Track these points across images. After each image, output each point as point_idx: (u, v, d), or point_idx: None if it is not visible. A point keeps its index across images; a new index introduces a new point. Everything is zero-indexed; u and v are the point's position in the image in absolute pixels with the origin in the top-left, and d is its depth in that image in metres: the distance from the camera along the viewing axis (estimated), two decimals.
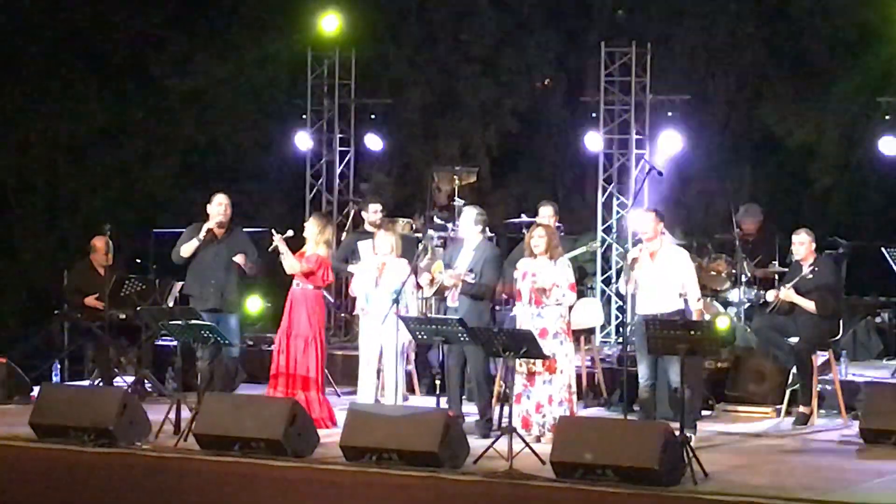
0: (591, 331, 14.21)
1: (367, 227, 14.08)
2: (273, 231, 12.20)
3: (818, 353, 12.73)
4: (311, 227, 12.40)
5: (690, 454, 10.06)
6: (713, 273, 14.97)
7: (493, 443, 10.66)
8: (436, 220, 15.63)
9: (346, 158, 17.65)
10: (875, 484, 10.20)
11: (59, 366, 14.41)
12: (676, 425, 10.35)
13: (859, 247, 15.43)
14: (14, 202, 16.53)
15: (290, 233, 12.25)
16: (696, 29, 17.75)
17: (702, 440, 11.49)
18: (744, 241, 15.29)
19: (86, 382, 14.12)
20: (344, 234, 15.49)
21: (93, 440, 11.17)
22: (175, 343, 12.13)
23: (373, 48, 17.91)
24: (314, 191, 17.48)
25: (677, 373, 11.01)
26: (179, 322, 11.71)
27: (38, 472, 11.10)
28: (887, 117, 15.39)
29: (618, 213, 16.17)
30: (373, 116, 17.61)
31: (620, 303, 15.81)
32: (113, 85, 17.03)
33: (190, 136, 17.53)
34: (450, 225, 15.08)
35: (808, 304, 12.66)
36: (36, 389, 12.44)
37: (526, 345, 10.83)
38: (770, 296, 13.08)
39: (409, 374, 13.35)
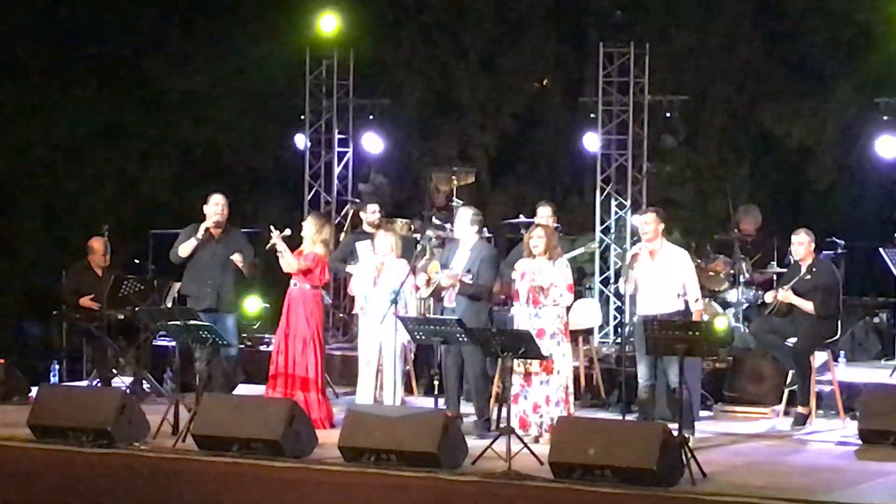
0: (589, 331, 14.22)
1: (366, 228, 14.08)
2: (271, 228, 12.20)
3: (816, 353, 12.74)
4: (309, 226, 12.40)
5: (688, 455, 10.06)
6: (711, 274, 14.97)
7: (492, 443, 10.66)
8: (434, 220, 15.63)
9: (345, 159, 17.63)
10: (873, 484, 10.21)
11: (57, 366, 14.40)
12: (675, 426, 10.36)
13: (857, 247, 15.43)
14: (12, 202, 16.52)
15: (287, 231, 12.25)
16: (694, 29, 17.74)
17: (700, 441, 11.49)
18: (742, 241, 15.30)
19: (84, 383, 14.12)
20: (342, 234, 15.48)
21: (91, 441, 11.18)
22: (173, 343, 12.14)
23: (371, 48, 17.90)
24: (312, 191, 17.46)
25: (676, 373, 11.02)
26: (178, 322, 11.71)
27: (37, 472, 11.11)
28: (885, 118, 15.39)
29: (616, 213, 16.16)
30: (371, 117, 17.59)
31: (619, 303, 15.81)
32: (111, 85, 17.02)
33: (188, 136, 17.52)
34: (448, 225, 15.08)
35: (807, 305, 12.66)
36: (34, 390, 12.44)
37: (524, 345, 10.83)
38: (769, 297, 13.08)
39: (407, 375, 13.34)
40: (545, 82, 19.00)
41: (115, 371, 14.05)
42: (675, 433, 10.18)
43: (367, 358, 12.26)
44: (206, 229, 12.72)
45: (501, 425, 11.23)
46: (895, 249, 14.48)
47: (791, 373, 12.82)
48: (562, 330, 11.71)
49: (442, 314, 11.99)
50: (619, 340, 15.08)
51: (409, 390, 13.57)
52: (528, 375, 11.62)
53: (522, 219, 15.25)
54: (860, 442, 11.61)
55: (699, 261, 14.64)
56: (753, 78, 17.72)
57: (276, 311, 12.72)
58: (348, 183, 17.61)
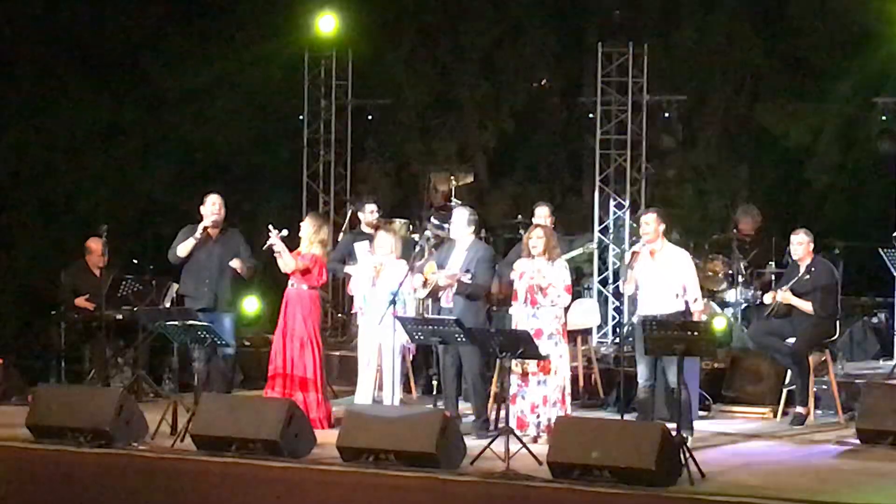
0: (587, 331, 14.22)
1: (364, 228, 14.09)
2: (269, 226, 12.20)
3: (815, 353, 12.74)
4: (307, 226, 12.41)
5: (687, 455, 10.06)
6: (710, 274, 14.97)
7: (490, 443, 10.66)
8: (433, 220, 15.63)
9: (343, 159, 17.64)
10: (872, 485, 10.21)
11: (56, 366, 14.39)
12: (673, 426, 10.36)
13: (856, 247, 15.43)
14: (10, 202, 16.49)
15: (284, 231, 12.26)
16: (693, 29, 17.74)
17: (698, 440, 11.49)
18: (740, 241, 15.30)
19: (83, 383, 14.11)
20: (340, 234, 15.48)
21: (90, 441, 11.17)
22: (172, 344, 12.14)
23: (370, 49, 17.90)
24: (311, 191, 17.47)
25: (675, 373, 11.02)
26: (176, 323, 11.71)
27: (35, 473, 11.10)
28: (884, 118, 15.38)
29: (614, 213, 16.17)
30: (370, 117, 17.60)
31: (617, 303, 15.82)
32: (109, 85, 17.00)
33: (187, 136, 17.50)
34: (446, 226, 15.07)
35: (806, 306, 12.66)
36: (33, 390, 12.43)
37: (523, 345, 10.83)
38: (767, 298, 13.07)
39: (405, 375, 13.34)
40: (544, 82, 18.99)
41: (113, 371, 14.04)
42: (674, 433, 10.18)
43: (367, 358, 12.26)
44: (204, 229, 12.73)
45: (500, 425, 11.24)
46: (893, 249, 14.49)
47: (789, 373, 12.83)
48: (560, 330, 11.71)
49: (439, 314, 11.99)
50: (617, 340, 15.09)
51: (407, 390, 13.57)
52: (525, 375, 11.63)
53: (521, 219, 15.25)
54: (858, 442, 11.61)
55: (697, 261, 14.64)
56: (752, 78, 17.72)
57: (275, 312, 12.72)
58: (346, 183, 17.61)
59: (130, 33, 17.12)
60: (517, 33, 18.58)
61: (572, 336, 12.88)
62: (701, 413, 12.74)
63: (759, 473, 10.52)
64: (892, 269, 14.46)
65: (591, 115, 16.47)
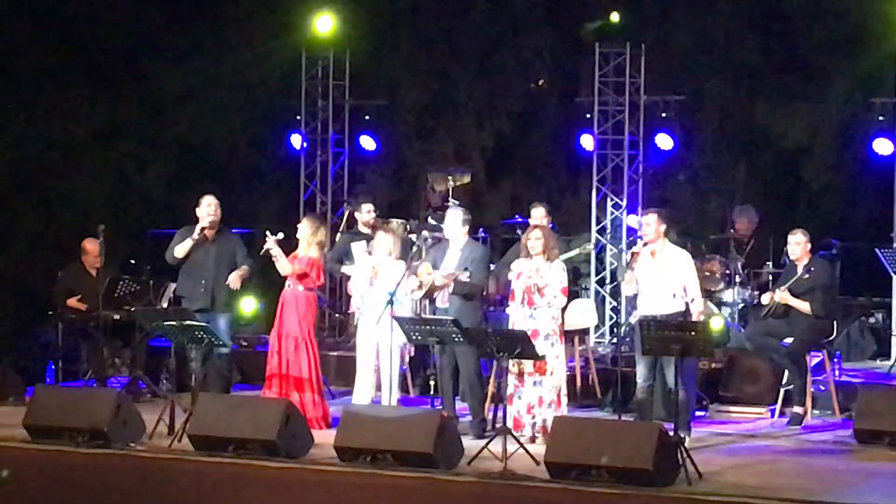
0: (585, 331, 14.22)
1: (361, 228, 14.10)
2: (267, 233, 12.21)
3: (812, 353, 12.75)
4: (305, 228, 12.42)
5: (684, 455, 10.06)
6: (707, 274, 14.96)
7: (488, 443, 10.66)
8: (430, 221, 15.62)
9: (341, 159, 17.63)
10: (869, 484, 10.21)
11: (53, 367, 14.38)
12: (670, 426, 10.37)
13: (853, 247, 15.43)
14: (8, 202, 16.47)
15: (280, 235, 12.28)
16: (690, 29, 17.73)
17: (696, 441, 11.50)
18: (737, 241, 15.29)
19: (80, 383, 14.10)
20: (338, 234, 15.48)
21: (87, 441, 11.18)
22: (169, 344, 12.14)
23: (367, 49, 17.89)
24: (308, 192, 17.46)
25: (674, 374, 11.02)
26: (173, 323, 11.71)
27: (33, 473, 11.09)
28: (881, 118, 15.38)
29: (612, 213, 16.16)
30: (367, 117, 17.59)
31: (615, 303, 15.82)
32: (107, 85, 16.99)
33: (185, 136, 17.49)
34: (443, 226, 15.07)
35: (804, 306, 12.66)
36: (30, 390, 12.43)
37: (520, 345, 10.83)
38: (765, 298, 13.07)
39: (403, 375, 13.34)
40: (541, 83, 18.98)
41: (110, 371, 14.04)
42: (671, 433, 10.18)
43: (365, 358, 12.26)
44: (202, 230, 12.73)
45: (497, 425, 11.24)
46: (891, 249, 14.50)
47: (787, 373, 12.83)
48: (556, 331, 11.72)
49: (434, 315, 11.99)
50: (614, 340, 15.10)
51: (404, 390, 13.57)
52: (521, 376, 11.63)
53: (518, 219, 15.24)
54: (856, 442, 11.62)
55: (695, 261, 14.64)
56: (749, 78, 17.71)
57: (272, 312, 12.73)
58: (344, 183, 17.60)
59: (128, 34, 17.11)
60: (514, 34, 18.57)
61: (570, 336, 12.89)
62: (698, 413, 12.75)
63: (756, 473, 10.53)
64: (890, 269, 14.47)
65: (588, 116, 16.46)
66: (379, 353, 12.15)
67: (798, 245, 12.80)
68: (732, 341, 14.30)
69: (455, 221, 12.24)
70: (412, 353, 13.08)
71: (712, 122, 17.81)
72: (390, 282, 11.94)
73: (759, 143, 17.63)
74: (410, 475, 10.27)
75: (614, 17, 16.95)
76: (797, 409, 12.64)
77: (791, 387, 12.76)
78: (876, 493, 9.96)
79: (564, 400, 11.79)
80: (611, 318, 15.88)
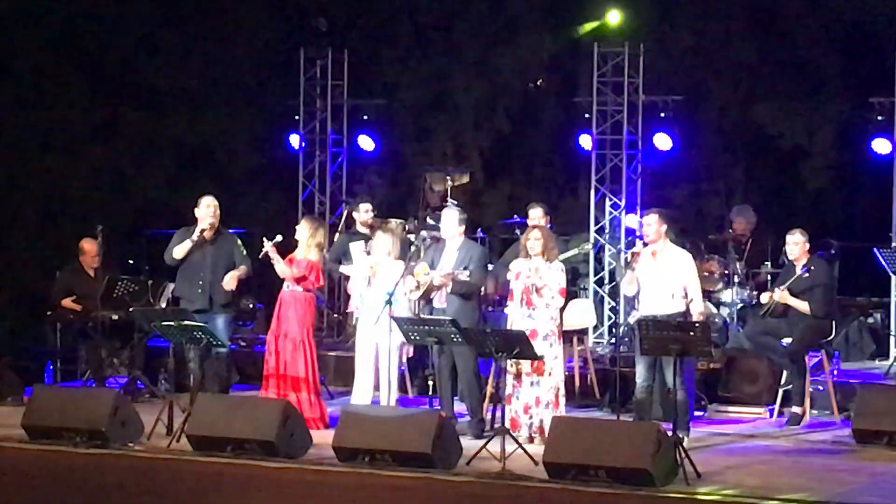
0: (583, 331, 14.22)
1: (360, 228, 14.10)
2: (264, 239, 12.25)
3: (811, 353, 12.74)
4: (303, 230, 12.43)
5: (683, 455, 10.06)
6: (706, 274, 14.95)
7: (486, 443, 10.67)
8: (429, 220, 15.62)
9: (339, 159, 17.63)
10: (868, 484, 10.21)
11: (51, 367, 14.38)
12: (669, 426, 10.37)
13: (851, 247, 15.43)
14: (6, 202, 16.48)
15: (278, 238, 12.31)
16: (688, 29, 17.73)
17: (694, 440, 11.49)
18: (736, 241, 15.30)
19: (78, 383, 14.10)
20: (336, 234, 15.48)
21: (85, 441, 11.18)
22: (168, 344, 12.14)
23: (365, 49, 17.89)
24: (307, 192, 17.46)
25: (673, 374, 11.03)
26: (171, 323, 11.71)
27: (31, 473, 11.09)
28: (879, 118, 15.38)
29: (610, 213, 16.17)
30: (365, 117, 17.59)
31: (613, 303, 15.82)
32: (106, 85, 16.99)
33: (183, 136, 17.49)
34: (440, 226, 15.06)
35: (803, 306, 12.66)
36: (29, 391, 12.43)
37: (519, 346, 10.83)
38: (764, 298, 13.07)
39: (401, 375, 13.34)
40: (540, 82, 18.97)
41: (109, 371, 14.03)
42: (670, 433, 10.18)
43: (363, 358, 12.26)
44: (201, 231, 12.73)
45: (496, 425, 11.23)
46: (889, 249, 14.49)
47: (785, 373, 12.83)
48: (554, 332, 11.72)
49: (431, 315, 11.99)
50: (613, 341, 15.09)
51: (403, 391, 13.57)
52: (518, 376, 11.63)
53: (517, 219, 15.24)
54: (854, 442, 11.62)
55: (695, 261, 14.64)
56: (747, 78, 17.71)
57: (271, 312, 12.75)
58: (343, 183, 17.60)
59: (127, 34, 17.11)
60: (513, 33, 18.56)
61: (568, 336, 12.88)
62: (697, 413, 12.74)
63: (755, 473, 10.53)
64: (888, 269, 14.46)
65: (586, 116, 16.46)
66: (378, 354, 12.15)
67: (796, 245, 12.80)
68: (731, 341, 14.29)
69: (451, 221, 12.24)
70: (411, 354, 13.09)
71: (711, 122, 17.82)
72: (389, 282, 11.94)
73: (757, 143, 17.64)
74: (409, 475, 10.28)
75: (612, 17, 16.92)
76: (796, 409, 12.64)
77: (790, 387, 12.76)
78: (874, 493, 9.96)
79: (563, 400, 11.79)
80: (609, 318, 15.88)
